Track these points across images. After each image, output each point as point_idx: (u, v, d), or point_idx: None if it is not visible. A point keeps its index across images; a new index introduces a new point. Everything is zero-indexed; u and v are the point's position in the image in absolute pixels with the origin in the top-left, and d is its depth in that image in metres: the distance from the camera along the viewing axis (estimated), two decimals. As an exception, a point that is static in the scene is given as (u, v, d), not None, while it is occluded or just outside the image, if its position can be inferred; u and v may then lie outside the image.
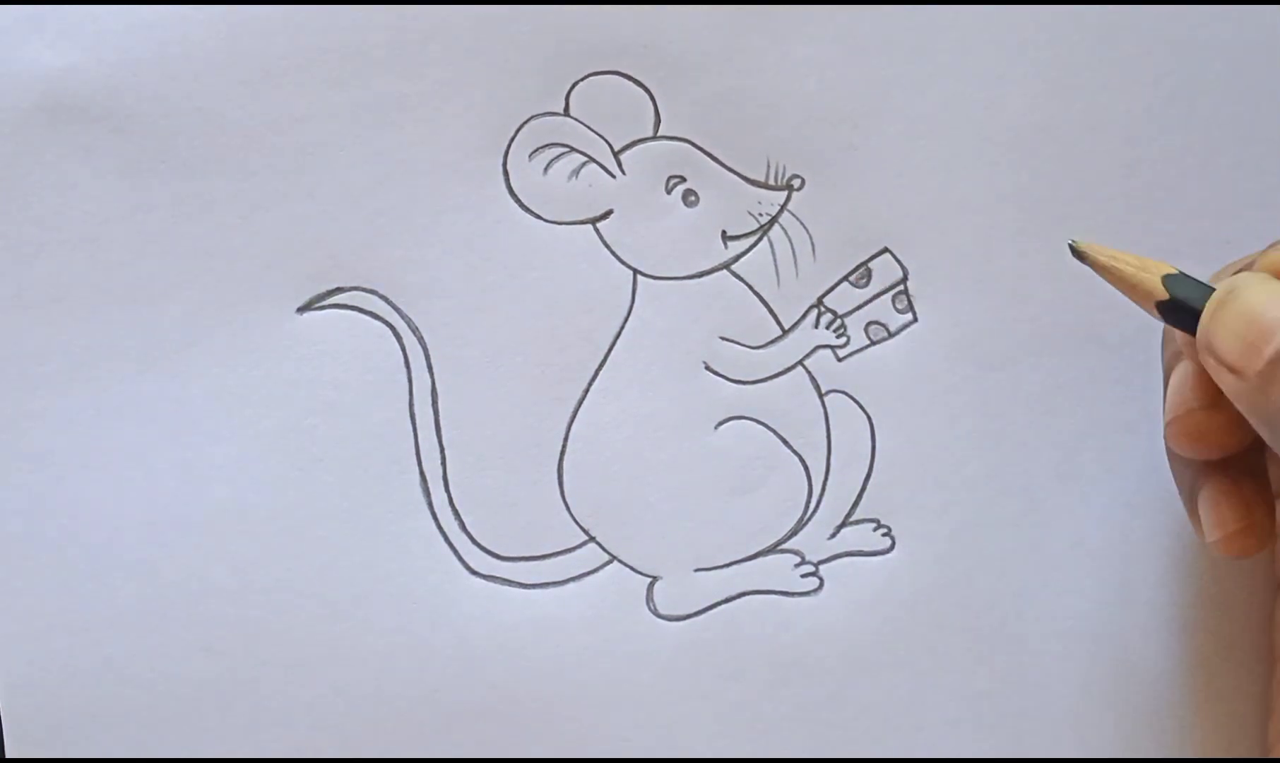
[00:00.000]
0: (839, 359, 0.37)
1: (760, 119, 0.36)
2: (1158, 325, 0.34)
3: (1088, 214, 0.36)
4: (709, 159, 0.36)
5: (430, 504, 0.36)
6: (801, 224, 0.37)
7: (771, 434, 0.37)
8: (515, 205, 0.36)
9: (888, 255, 0.37)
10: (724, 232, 0.37)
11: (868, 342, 0.37)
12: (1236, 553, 0.32)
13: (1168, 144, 0.36)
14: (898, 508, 0.37)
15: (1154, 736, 0.36)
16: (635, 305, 0.36)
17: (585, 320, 0.36)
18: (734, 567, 0.37)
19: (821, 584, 0.36)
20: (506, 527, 0.36)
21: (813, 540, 0.37)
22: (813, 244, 0.37)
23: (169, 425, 0.36)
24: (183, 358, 0.36)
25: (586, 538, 0.36)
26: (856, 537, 0.37)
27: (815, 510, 0.37)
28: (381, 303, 0.36)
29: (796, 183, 0.36)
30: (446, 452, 0.36)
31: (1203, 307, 0.30)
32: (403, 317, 0.36)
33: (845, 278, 0.37)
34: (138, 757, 0.36)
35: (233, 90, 0.36)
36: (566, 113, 0.36)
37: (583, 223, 0.36)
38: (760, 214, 0.36)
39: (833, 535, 0.37)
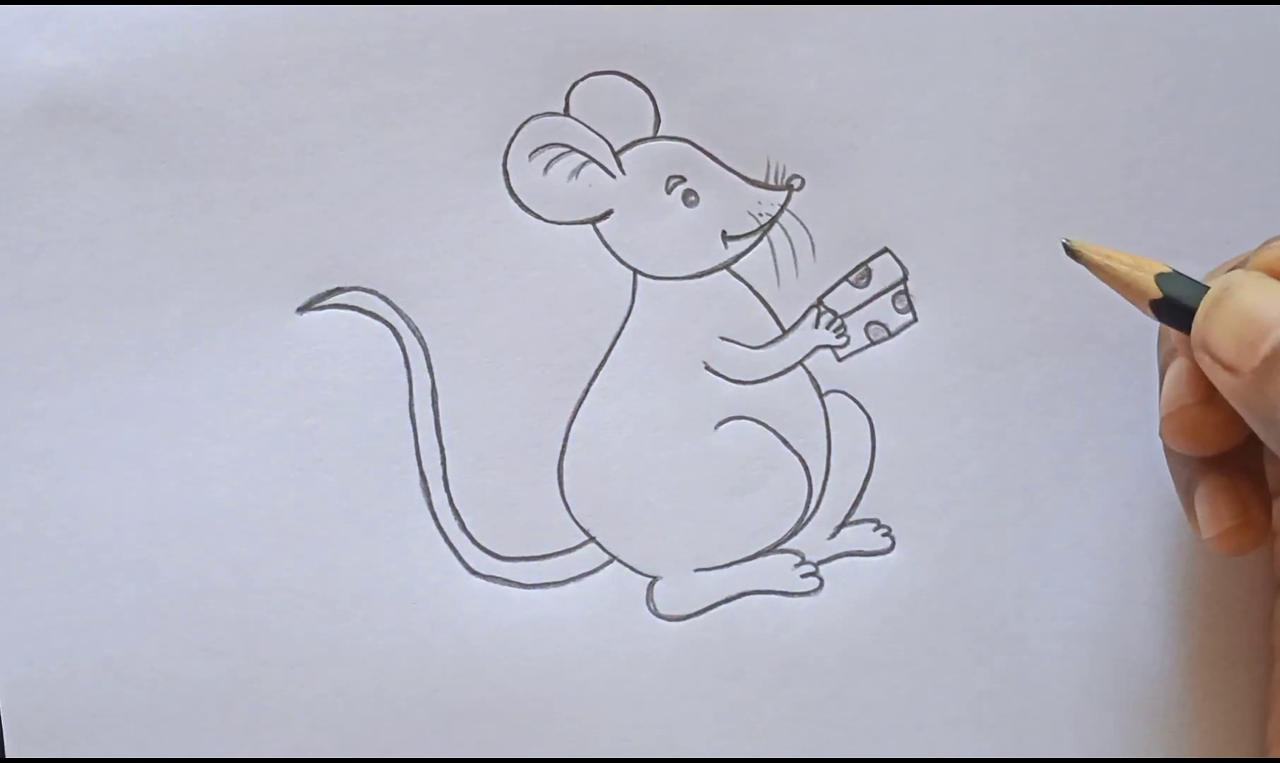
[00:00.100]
0: (839, 359, 0.37)
1: (760, 119, 0.36)
2: (1157, 325, 0.34)
3: (1087, 214, 0.36)
4: (709, 159, 0.36)
5: (430, 504, 0.36)
6: (801, 224, 0.37)
7: (771, 434, 0.37)
8: (515, 205, 0.36)
9: (888, 255, 0.37)
10: (724, 232, 0.37)
11: (868, 342, 0.37)
12: (1232, 550, 0.32)
13: (1168, 144, 0.36)
14: (898, 508, 0.37)
15: (1154, 736, 0.36)
16: (635, 305, 0.36)
17: (585, 320, 0.36)
18: (734, 567, 0.37)
19: (821, 584, 0.36)
20: (506, 527, 0.36)
21: (813, 541, 0.37)
22: (813, 244, 0.37)
23: (169, 425, 0.36)
24: (183, 358, 0.36)
25: (586, 538, 0.36)
26: (856, 537, 0.37)
27: (815, 510, 0.37)
28: (381, 303, 0.36)
29: (796, 183, 0.36)
30: (446, 452, 0.36)
31: (1196, 305, 0.30)
32: (403, 317, 0.36)
33: (845, 278, 0.37)
34: (138, 757, 0.36)
35: (233, 90, 0.36)
36: (566, 113, 0.36)
37: (583, 223, 0.36)
38: (760, 214, 0.36)
39: (833, 536, 0.37)
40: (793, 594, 0.36)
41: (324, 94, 0.36)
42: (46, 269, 0.36)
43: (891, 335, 0.37)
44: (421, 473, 0.36)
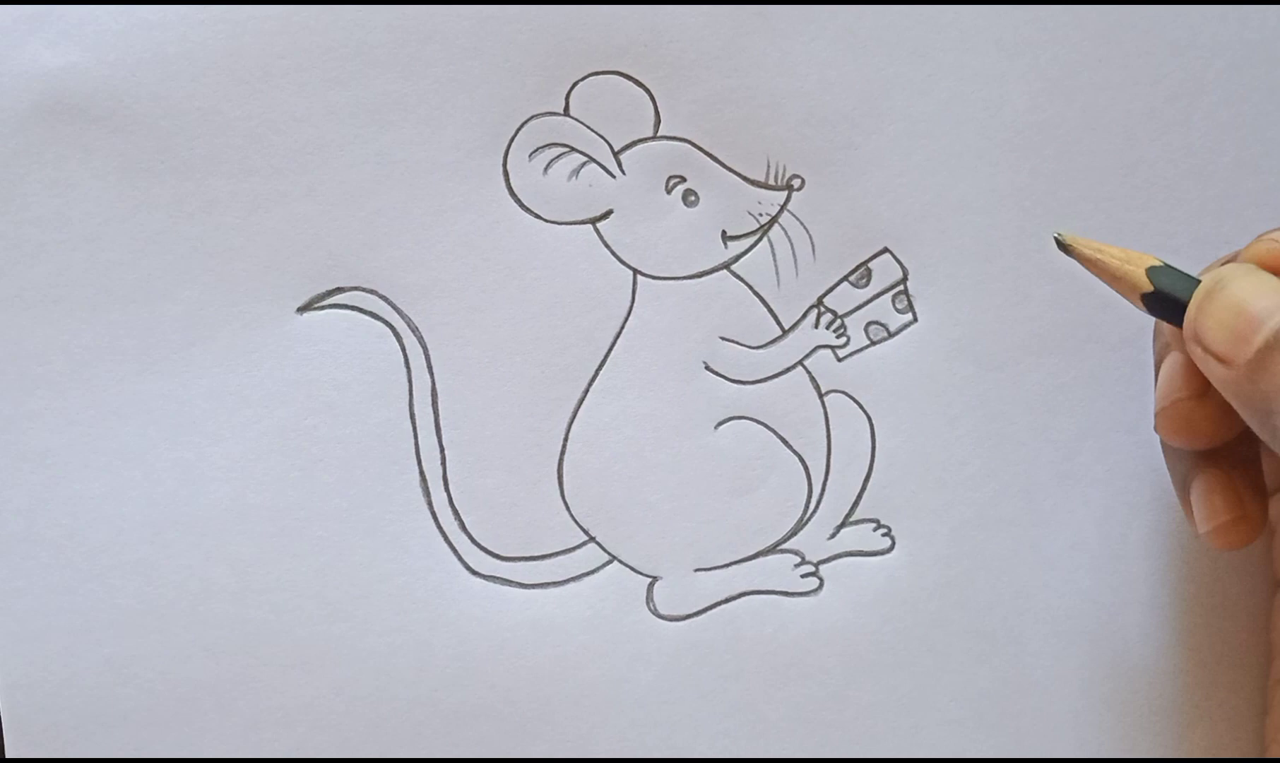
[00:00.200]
0: (839, 359, 0.37)
1: (760, 119, 0.36)
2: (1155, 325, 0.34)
3: (1087, 214, 0.36)
4: (709, 159, 0.36)
5: (430, 504, 0.36)
6: (801, 224, 0.37)
7: (771, 434, 0.37)
8: (515, 205, 0.36)
9: (888, 255, 0.37)
10: (724, 232, 0.37)
11: (868, 342, 0.37)
12: (1227, 544, 0.32)
13: (1168, 144, 0.36)
14: (898, 508, 0.37)
15: (1153, 735, 0.36)
16: (635, 305, 0.36)
17: (585, 320, 0.36)
18: (734, 567, 0.37)
19: (821, 584, 0.36)
20: (506, 527, 0.36)
21: (813, 540, 0.37)
22: (813, 244, 0.37)
23: (169, 425, 0.36)
24: (183, 358, 0.36)
25: (586, 538, 0.36)
26: (856, 537, 0.37)
27: (815, 510, 0.37)
28: (381, 303, 0.36)
29: (796, 183, 0.36)
30: (446, 452, 0.36)
31: (1188, 298, 0.30)
32: (403, 317, 0.36)
33: (845, 278, 0.37)
34: (138, 757, 0.36)
35: (233, 90, 0.36)
36: (566, 113, 0.36)
37: (583, 223, 0.36)
38: (760, 214, 0.36)
39: (833, 536, 0.37)
40: (793, 594, 0.36)
41: (324, 94, 0.36)
42: (46, 269, 0.36)
43: (891, 335, 0.37)
44: (421, 473, 0.36)
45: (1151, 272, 0.31)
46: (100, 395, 0.36)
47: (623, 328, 0.36)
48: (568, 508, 0.36)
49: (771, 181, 0.36)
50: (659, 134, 0.36)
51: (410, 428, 0.36)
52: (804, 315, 0.37)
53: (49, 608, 0.36)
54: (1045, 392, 0.36)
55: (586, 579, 0.36)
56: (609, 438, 0.36)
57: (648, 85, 0.36)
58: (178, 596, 0.36)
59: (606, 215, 0.36)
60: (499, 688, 0.36)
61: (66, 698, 0.36)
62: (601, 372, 0.36)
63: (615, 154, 0.36)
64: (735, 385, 0.37)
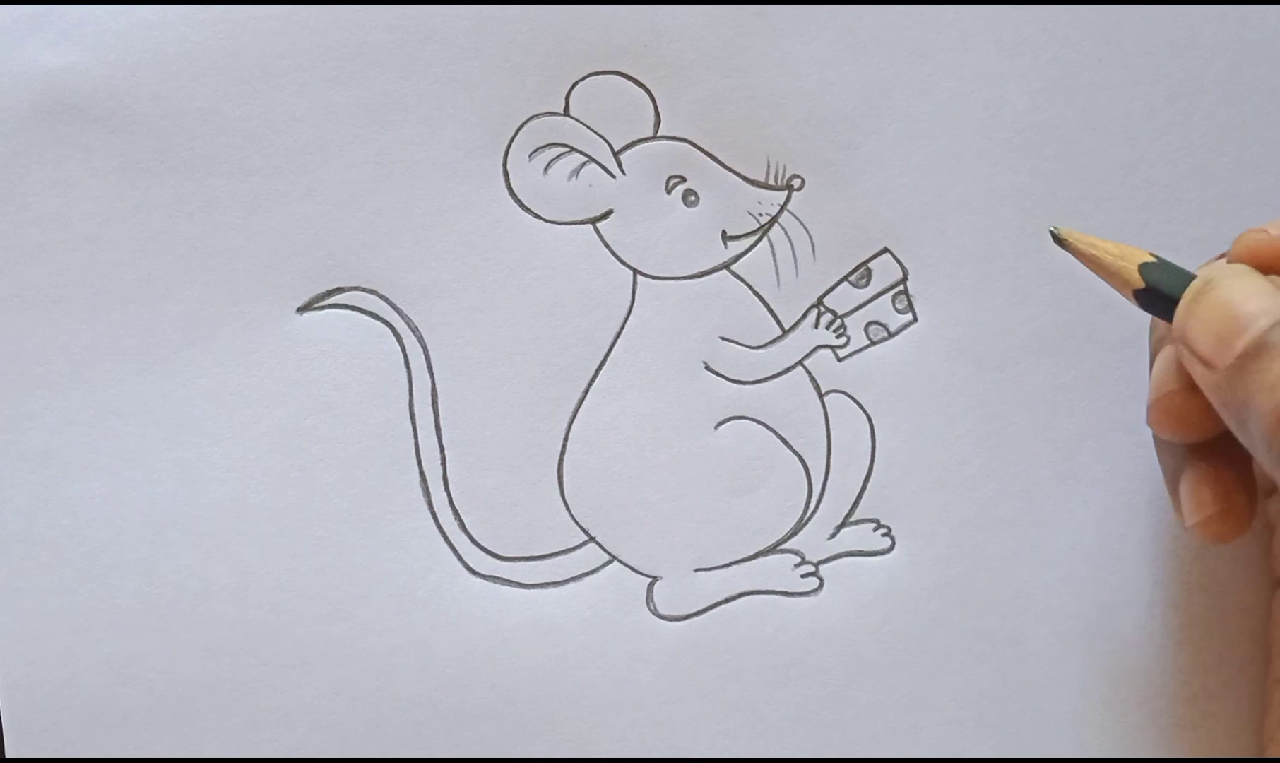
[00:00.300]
0: (839, 359, 0.37)
1: (760, 119, 0.36)
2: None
3: (1087, 214, 0.36)
4: (709, 159, 0.36)
5: (430, 504, 0.36)
6: (801, 224, 0.37)
7: (771, 434, 0.37)
8: (515, 205, 0.36)
9: (888, 255, 0.37)
10: (724, 232, 0.37)
11: (868, 342, 0.37)
12: (1214, 537, 0.33)
13: (1168, 144, 0.36)
14: (898, 508, 0.37)
15: (1153, 735, 0.36)
16: (635, 305, 0.36)
17: (585, 320, 0.36)
18: (734, 567, 0.37)
19: (821, 584, 0.36)
20: (506, 527, 0.36)
21: (813, 541, 0.37)
22: (813, 244, 0.37)
23: (169, 425, 0.36)
24: (183, 358, 0.36)
25: (586, 538, 0.36)
26: (856, 537, 0.37)
27: (815, 511, 0.37)
28: (381, 303, 0.36)
29: (796, 183, 0.36)
30: (446, 452, 0.36)
31: (1179, 295, 0.30)
32: (403, 317, 0.36)
33: (845, 278, 0.37)
34: (138, 757, 0.36)
35: (233, 90, 0.36)
36: (566, 113, 0.36)
37: (583, 223, 0.36)
38: (760, 214, 0.36)
39: (833, 536, 0.37)
40: (793, 594, 0.36)
41: (324, 94, 0.36)
42: (46, 269, 0.36)
43: (891, 335, 0.37)
44: (421, 473, 0.36)
45: (1144, 268, 0.31)
46: (100, 395, 0.36)
47: (623, 328, 0.36)
48: (568, 508, 0.36)
49: (771, 182, 0.36)
50: (659, 134, 0.36)
51: (410, 428, 0.36)
52: (804, 315, 0.37)
53: (49, 608, 0.36)
54: (1045, 392, 0.36)
55: (586, 579, 0.36)
56: (609, 438, 0.36)
57: (648, 85, 0.36)
58: (178, 596, 0.36)
59: (606, 215, 0.36)
60: (499, 688, 0.36)
61: (66, 698, 0.35)
62: (601, 372, 0.36)
63: (615, 154, 0.36)
64: (735, 385, 0.37)
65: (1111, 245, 0.32)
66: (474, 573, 0.36)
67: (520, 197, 0.36)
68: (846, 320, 0.37)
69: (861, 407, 0.37)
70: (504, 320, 0.36)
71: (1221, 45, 0.36)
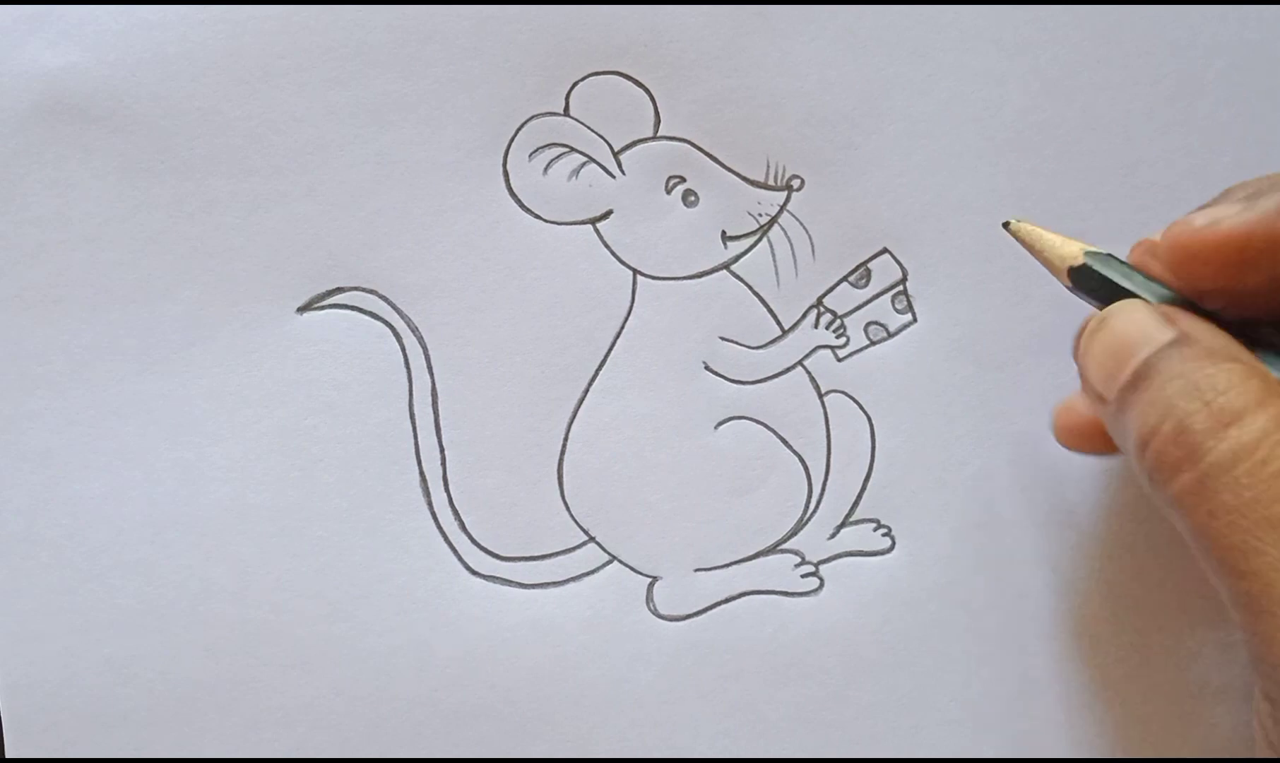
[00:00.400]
0: (839, 359, 0.37)
1: (760, 119, 0.36)
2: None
3: (1087, 214, 0.36)
4: (709, 159, 0.36)
5: (430, 504, 0.36)
6: (801, 224, 0.37)
7: (771, 434, 0.37)
8: (515, 205, 0.36)
9: (887, 255, 0.37)
10: (724, 232, 0.37)
11: (868, 342, 0.37)
12: (1063, 437, 0.34)
13: (1168, 144, 0.36)
14: (898, 508, 0.37)
15: (1153, 735, 0.36)
16: (635, 305, 0.36)
17: (585, 320, 0.36)
18: (734, 567, 0.37)
19: (821, 584, 0.36)
20: (506, 527, 0.36)
21: (813, 541, 0.37)
22: (812, 244, 0.37)
23: (169, 425, 0.36)
24: (183, 358, 0.36)
25: (586, 538, 0.36)
26: (856, 537, 0.37)
27: (815, 510, 0.37)
28: (381, 303, 0.36)
29: (796, 183, 0.36)
30: (446, 452, 0.36)
31: (1108, 294, 0.31)
32: (403, 317, 0.36)
33: (845, 278, 0.37)
34: (138, 757, 0.36)
35: (233, 90, 0.36)
36: (566, 113, 0.36)
37: (583, 223, 0.36)
38: (760, 214, 0.36)
39: (833, 536, 0.37)
40: (793, 594, 0.36)
41: (324, 94, 0.36)
42: (46, 269, 0.36)
43: (891, 335, 0.37)
44: (421, 473, 0.36)
45: (1073, 271, 0.32)
46: (100, 395, 0.36)
47: (623, 328, 0.36)
48: (568, 508, 0.36)
49: (771, 182, 0.36)
50: (659, 134, 0.36)
51: (410, 428, 0.36)
52: (804, 315, 0.37)
53: (49, 608, 0.36)
54: (1045, 392, 0.36)
55: (586, 579, 0.36)
56: (609, 438, 0.36)
57: (648, 85, 0.36)
58: (178, 596, 0.36)
59: (606, 215, 0.36)
60: (499, 688, 0.36)
61: (66, 698, 0.36)
62: (601, 372, 0.36)
63: (615, 154, 0.36)
64: (735, 385, 0.37)
65: (1055, 238, 0.32)
66: (474, 573, 0.36)
67: (520, 197, 0.36)
68: (846, 320, 0.37)
69: (861, 407, 0.37)
70: (504, 320, 0.36)
71: (1221, 45, 0.36)
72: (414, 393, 0.36)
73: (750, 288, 0.37)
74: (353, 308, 0.36)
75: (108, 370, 0.36)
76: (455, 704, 0.36)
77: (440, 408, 0.36)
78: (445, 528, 0.36)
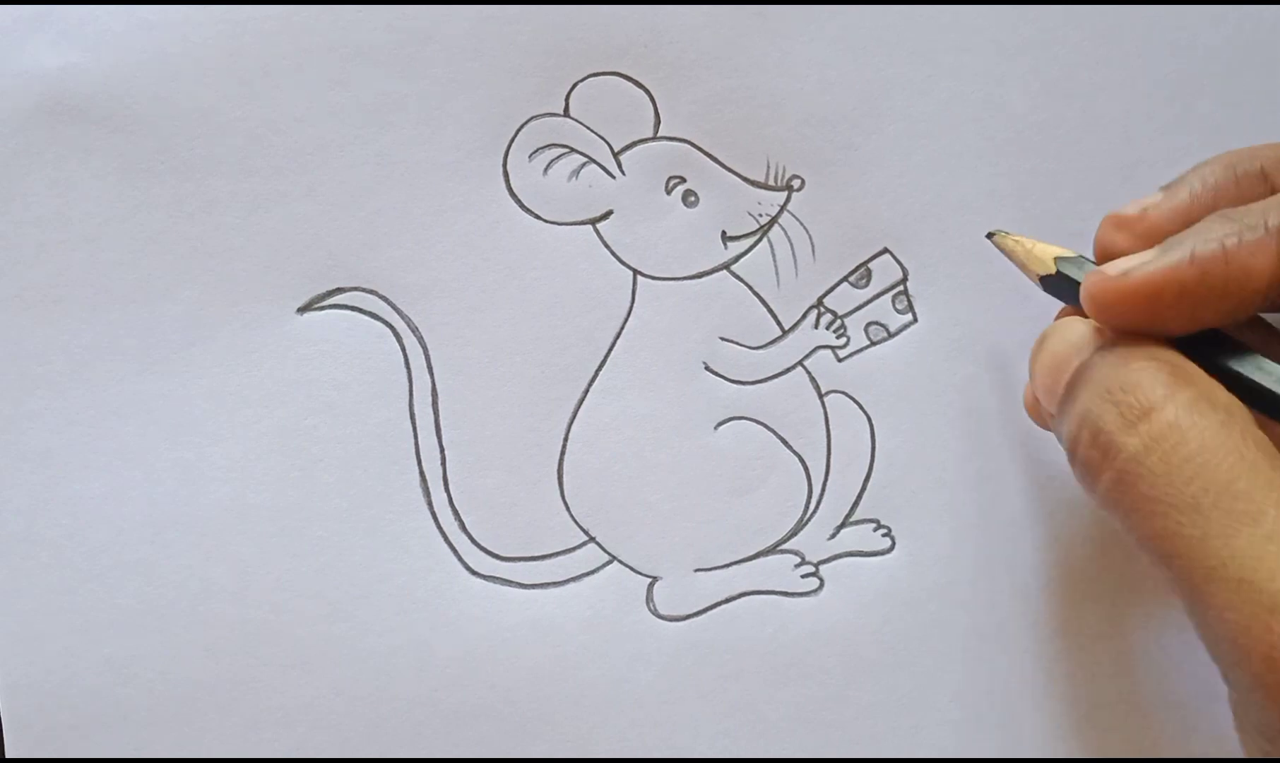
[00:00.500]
0: (839, 359, 0.37)
1: (760, 119, 0.36)
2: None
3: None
4: (709, 159, 0.36)
5: (430, 504, 0.36)
6: (801, 224, 0.37)
7: (771, 434, 0.37)
8: (515, 205, 0.36)
9: (888, 256, 0.37)
10: (724, 232, 0.37)
11: (868, 342, 0.37)
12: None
13: (1168, 144, 0.36)
14: (898, 508, 0.37)
15: (1153, 735, 0.36)
16: (635, 306, 0.36)
17: (585, 320, 0.36)
18: (734, 567, 0.37)
19: (821, 584, 0.36)
20: (506, 527, 0.36)
21: (813, 541, 0.37)
22: (813, 244, 0.37)
23: (169, 425, 0.36)
24: (183, 358, 0.36)
25: (586, 538, 0.36)
26: (856, 537, 0.37)
27: (815, 511, 0.37)
28: (381, 303, 0.36)
29: (796, 183, 0.36)
30: (446, 452, 0.36)
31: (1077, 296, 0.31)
32: (403, 317, 0.36)
33: (845, 278, 0.37)
34: (138, 757, 0.36)
35: (233, 90, 0.36)
36: (566, 113, 0.36)
37: (583, 223, 0.36)
38: (760, 214, 0.36)
39: (833, 536, 0.37)
40: (793, 594, 0.36)
41: (324, 94, 0.36)
42: (46, 269, 0.36)
43: (891, 335, 0.37)
44: (421, 473, 0.36)
45: (1045, 280, 0.32)
46: (100, 395, 0.36)
47: (623, 328, 0.36)
48: (568, 508, 0.36)
49: (771, 182, 0.36)
50: (659, 135, 0.36)
51: (410, 428, 0.36)
52: (804, 316, 0.37)
53: (49, 608, 0.36)
54: (1045, 392, 0.36)
55: (586, 579, 0.36)
56: (609, 438, 0.36)
57: (648, 86, 0.36)
58: (178, 596, 0.36)
59: (606, 216, 0.36)
60: (499, 688, 0.36)
61: (66, 698, 0.35)
62: (601, 372, 0.36)
63: (615, 155, 0.36)
64: (735, 386, 0.37)
65: (1030, 245, 0.33)
66: (474, 573, 0.36)
67: (520, 197, 0.36)
68: (846, 321, 0.37)
69: (861, 407, 0.37)
70: (504, 320, 0.36)
71: (1221, 45, 0.36)
72: (414, 393, 0.36)
73: (750, 288, 0.37)
74: (353, 308, 0.36)
75: (108, 370, 0.36)
76: (455, 704, 0.36)
77: (440, 408, 0.36)
78: (445, 528, 0.36)
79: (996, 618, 0.36)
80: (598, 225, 0.36)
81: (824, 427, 0.37)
